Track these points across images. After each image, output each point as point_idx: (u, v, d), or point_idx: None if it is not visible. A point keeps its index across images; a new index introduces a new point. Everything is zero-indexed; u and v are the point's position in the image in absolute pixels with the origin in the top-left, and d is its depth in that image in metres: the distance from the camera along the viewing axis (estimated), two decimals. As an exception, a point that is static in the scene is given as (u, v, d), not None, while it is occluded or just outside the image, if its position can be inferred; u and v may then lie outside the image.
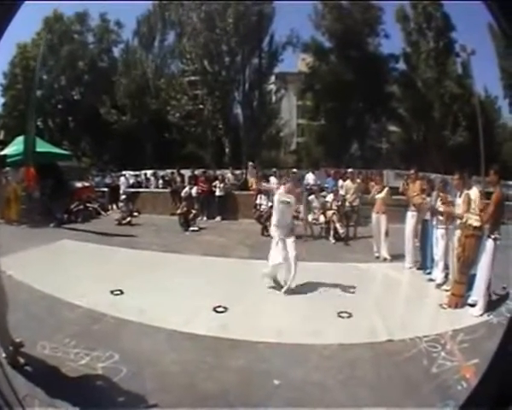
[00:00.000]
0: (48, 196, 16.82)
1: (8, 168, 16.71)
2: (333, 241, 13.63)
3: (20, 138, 17.54)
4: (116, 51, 32.60)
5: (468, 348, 5.89)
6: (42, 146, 18.34)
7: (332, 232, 13.78)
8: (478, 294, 7.47)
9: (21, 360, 5.42)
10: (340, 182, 15.55)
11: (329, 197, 14.51)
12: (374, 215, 11.67)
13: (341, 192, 14.58)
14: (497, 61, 23.47)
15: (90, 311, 7.35)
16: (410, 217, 10.54)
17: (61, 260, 10.97)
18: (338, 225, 13.67)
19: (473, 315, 7.26)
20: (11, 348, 5.43)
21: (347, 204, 14.06)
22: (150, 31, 30.77)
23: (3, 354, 5.28)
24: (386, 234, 11.32)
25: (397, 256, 11.07)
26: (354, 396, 4.95)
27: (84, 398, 4.87)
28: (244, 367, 5.59)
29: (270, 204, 14.58)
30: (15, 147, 17.71)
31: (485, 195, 8.33)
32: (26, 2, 2.87)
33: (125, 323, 6.93)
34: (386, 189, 11.69)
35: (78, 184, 19.67)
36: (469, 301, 7.63)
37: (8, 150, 18.30)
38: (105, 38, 31.96)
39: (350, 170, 15.92)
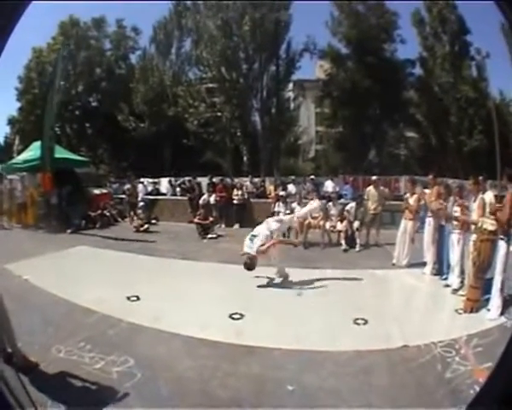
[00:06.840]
0: (65, 202, 16.98)
1: (25, 173, 16.98)
2: (346, 247, 13.58)
3: (37, 143, 17.61)
4: (133, 58, 32.66)
5: (481, 352, 5.88)
6: (59, 152, 18.46)
7: (357, 239, 13.68)
8: (493, 297, 7.46)
9: (33, 364, 5.48)
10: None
11: (349, 205, 14.44)
12: (403, 221, 11.64)
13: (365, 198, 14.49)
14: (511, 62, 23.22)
15: (106, 316, 7.44)
16: (429, 223, 10.54)
17: (78, 265, 11.08)
18: (355, 230, 13.67)
19: (487, 319, 7.26)
20: (21, 352, 5.49)
21: (370, 211, 14.02)
22: (167, 38, 30.87)
23: (15, 358, 5.33)
24: (412, 241, 11.32)
25: (414, 262, 11.10)
26: (368, 402, 4.98)
27: (95, 402, 4.96)
28: (259, 373, 5.65)
29: (287, 211, 14.64)
30: (32, 152, 17.97)
31: (501, 199, 8.28)
32: (34, 2, 2.92)
33: (142, 329, 7.01)
34: (415, 195, 11.62)
35: (96, 191, 19.82)
36: (489, 306, 7.61)
37: (25, 155, 18.58)
38: (122, 45, 32.03)
39: (374, 177, 15.66)
